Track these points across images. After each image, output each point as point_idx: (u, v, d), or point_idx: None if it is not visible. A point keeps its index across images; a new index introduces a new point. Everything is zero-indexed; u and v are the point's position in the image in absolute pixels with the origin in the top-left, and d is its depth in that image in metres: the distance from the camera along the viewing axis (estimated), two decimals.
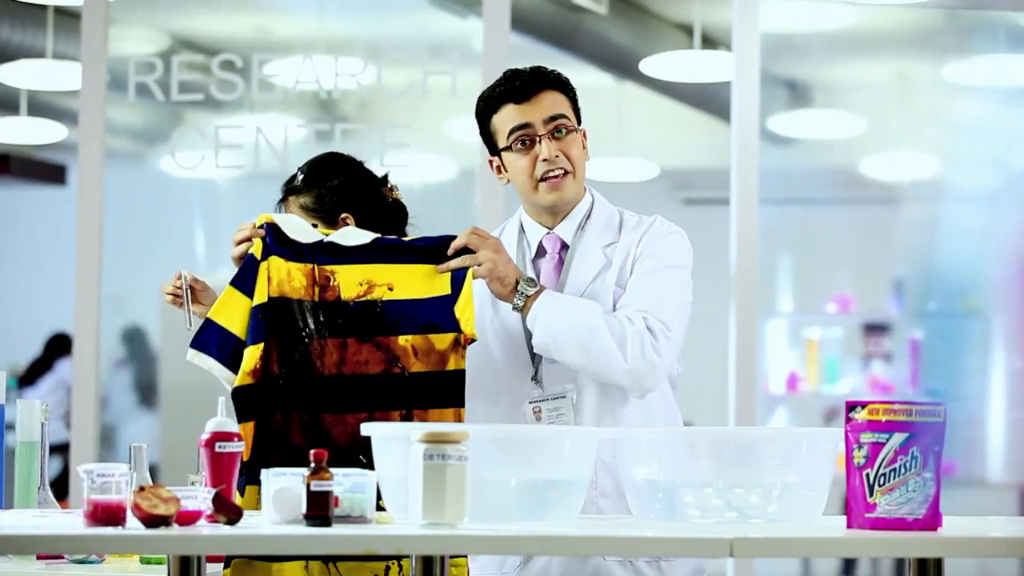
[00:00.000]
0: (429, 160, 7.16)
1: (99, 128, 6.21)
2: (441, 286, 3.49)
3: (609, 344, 3.46)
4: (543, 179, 3.63)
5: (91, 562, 3.50)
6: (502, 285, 3.49)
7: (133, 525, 2.84)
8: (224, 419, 3.11)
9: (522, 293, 3.48)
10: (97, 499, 2.85)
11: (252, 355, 3.42)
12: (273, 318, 3.45)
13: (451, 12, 6.87)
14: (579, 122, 3.69)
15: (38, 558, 3.50)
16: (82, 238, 6.20)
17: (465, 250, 3.48)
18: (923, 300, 8.70)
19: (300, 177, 3.83)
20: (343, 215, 3.78)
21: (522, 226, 3.74)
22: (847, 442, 2.95)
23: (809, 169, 8.97)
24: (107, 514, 2.85)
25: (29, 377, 11.04)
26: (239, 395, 3.41)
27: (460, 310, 3.47)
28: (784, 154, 8.76)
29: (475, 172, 6.35)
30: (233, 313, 3.46)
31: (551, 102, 3.64)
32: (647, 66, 7.97)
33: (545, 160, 3.61)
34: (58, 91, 8.18)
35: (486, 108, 3.68)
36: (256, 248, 3.50)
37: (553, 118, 3.62)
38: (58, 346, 11.03)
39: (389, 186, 3.85)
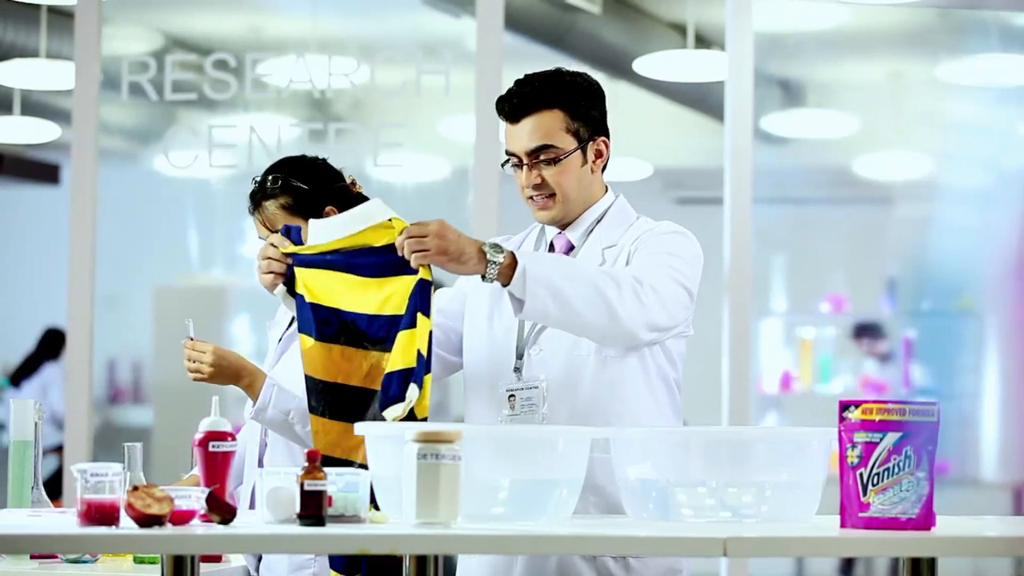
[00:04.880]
0: (423, 160, 7.16)
1: (92, 127, 6.20)
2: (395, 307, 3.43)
3: (608, 286, 3.37)
4: (531, 198, 3.65)
5: (85, 561, 3.50)
6: (460, 263, 3.34)
7: (127, 524, 2.84)
8: (218, 418, 3.11)
9: (492, 262, 3.34)
10: (91, 498, 2.85)
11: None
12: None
13: (444, 12, 6.87)
14: (594, 129, 3.65)
15: (32, 557, 3.50)
16: (75, 237, 6.20)
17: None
18: (916, 300, 8.72)
19: (272, 180, 3.85)
20: (327, 208, 3.83)
21: (542, 226, 3.76)
22: (841, 441, 2.96)
23: (802, 169, 8.97)
24: (101, 513, 2.85)
25: (17, 377, 11.04)
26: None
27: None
28: (778, 154, 8.77)
29: (469, 171, 6.35)
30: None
31: (538, 128, 3.60)
32: (640, 66, 7.97)
33: (526, 187, 3.63)
34: (51, 90, 8.17)
35: (497, 115, 3.70)
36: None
37: (535, 150, 3.60)
38: (49, 345, 11.04)
39: (351, 181, 3.90)
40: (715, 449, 3.09)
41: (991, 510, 7.92)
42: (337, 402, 3.43)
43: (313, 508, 2.88)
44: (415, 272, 3.40)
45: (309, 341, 3.47)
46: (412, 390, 3.31)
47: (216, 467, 3.06)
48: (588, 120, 3.65)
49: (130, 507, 2.82)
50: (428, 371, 3.36)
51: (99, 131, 6.25)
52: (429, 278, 3.40)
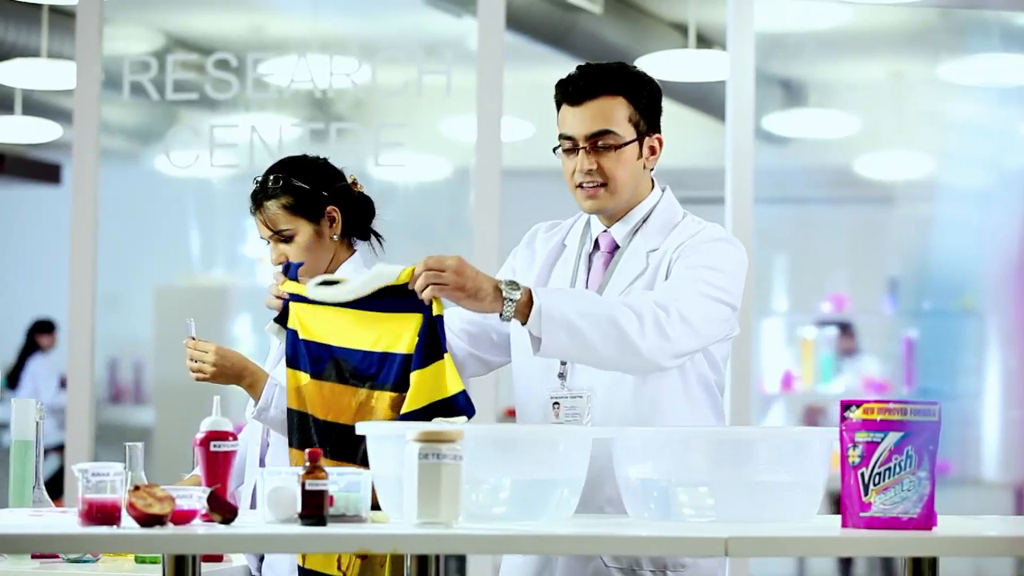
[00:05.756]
0: (424, 159, 7.16)
1: (94, 127, 6.20)
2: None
3: (628, 322, 3.33)
4: (580, 186, 3.61)
5: (86, 561, 3.50)
6: (477, 300, 3.29)
7: (128, 524, 2.84)
8: (219, 418, 3.11)
9: (509, 300, 3.31)
10: (92, 498, 2.85)
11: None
12: None
13: (446, 11, 6.87)
14: (650, 126, 3.62)
15: (33, 557, 3.50)
16: (77, 237, 6.20)
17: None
18: (918, 299, 8.72)
19: (273, 180, 3.85)
20: (329, 207, 3.83)
21: (589, 219, 3.72)
22: (842, 441, 2.96)
23: (804, 168, 8.98)
24: (102, 513, 2.85)
25: (13, 377, 11.08)
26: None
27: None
28: (779, 153, 8.77)
29: (470, 171, 6.35)
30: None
31: (600, 112, 3.56)
32: (642, 65, 7.93)
33: (580, 172, 3.58)
34: (53, 90, 8.18)
35: (555, 98, 3.65)
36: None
37: (595, 134, 3.56)
38: (33, 338, 11.08)
39: (352, 180, 3.90)
40: (717, 449, 3.09)
41: (992, 510, 7.92)
42: (328, 439, 3.41)
43: (314, 508, 2.88)
44: (419, 310, 3.34)
45: (304, 378, 3.45)
46: (459, 420, 3.27)
47: (217, 467, 3.05)
48: (648, 114, 3.62)
49: (131, 507, 2.82)
50: (471, 409, 3.34)
51: (100, 131, 6.24)
52: (441, 313, 3.35)
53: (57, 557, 3.50)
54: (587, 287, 3.63)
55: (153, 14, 7.15)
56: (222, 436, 3.07)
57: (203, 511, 2.92)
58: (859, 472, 2.92)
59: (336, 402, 3.44)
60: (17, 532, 2.96)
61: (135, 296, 8.40)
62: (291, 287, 3.52)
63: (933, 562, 2.92)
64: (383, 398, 3.40)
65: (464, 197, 6.57)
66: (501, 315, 3.32)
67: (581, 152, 3.56)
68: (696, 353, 3.53)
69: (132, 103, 6.48)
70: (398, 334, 3.38)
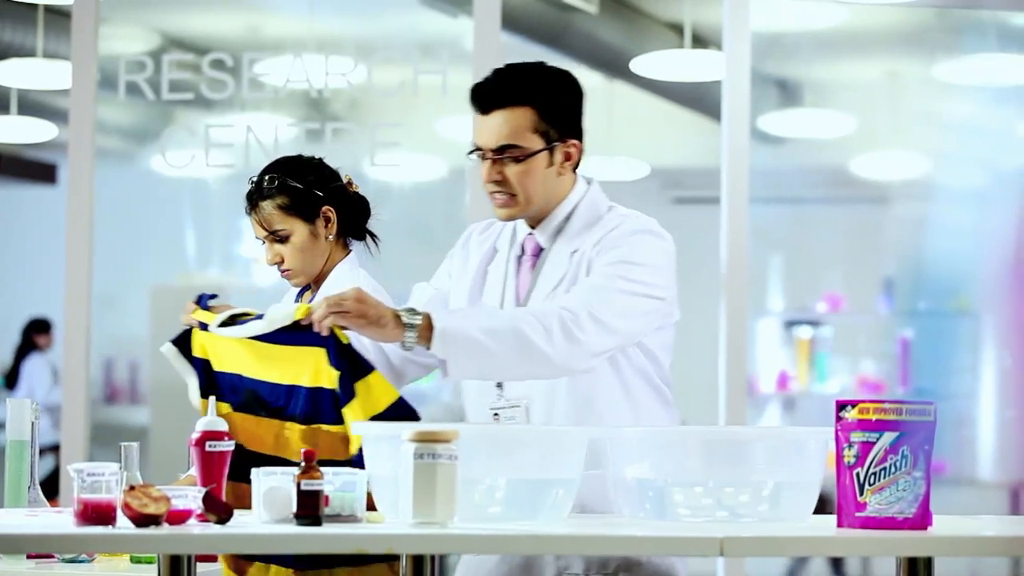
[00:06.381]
0: (419, 159, 7.17)
1: (89, 127, 6.20)
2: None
3: (534, 331, 3.29)
4: (492, 194, 3.58)
5: (81, 561, 3.50)
6: (380, 326, 3.25)
7: (123, 524, 2.84)
8: (214, 418, 3.11)
9: (409, 325, 3.26)
10: (87, 498, 2.85)
11: None
12: None
13: (441, 11, 6.87)
14: (564, 132, 3.56)
15: (28, 557, 3.50)
16: (72, 237, 6.19)
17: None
18: (913, 299, 8.72)
19: (268, 180, 3.84)
20: (324, 207, 3.83)
21: (516, 222, 3.68)
22: (837, 441, 2.96)
23: (799, 168, 8.98)
24: (97, 513, 2.85)
25: (11, 377, 11.08)
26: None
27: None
28: (774, 153, 8.78)
29: (465, 171, 6.35)
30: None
31: (506, 124, 3.51)
32: (638, 65, 7.97)
33: (487, 182, 3.55)
34: (48, 90, 8.17)
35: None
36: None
37: (501, 148, 3.52)
38: (29, 337, 11.08)
39: (347, 180, 3.89)
40: (712, 449, 3.09)
41: (988, 510, 7.92)
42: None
43: (310, 508, 2.88)
44: (322, 344, 3.27)
45: (226, 408, 3.41)
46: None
47: (213, 467, 3.05)
48: (560, 122, 3.55)
49: (127, 507, 2.82)
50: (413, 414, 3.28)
51: (96, 131, 6.24)
52: (347, 341, 3.28)
53: (53, 557, 3.50)
54: (516, 292, 3.59)
55: (149, 14, 7.15)
56: (217, 436, 3.07)
57: (198, 511, 2.91)
58: (855, 472, 2.93)
59: (257, 433, 3.41)
60: (13, 532, 2.96)
61: (131, 296, 8.39)
62: (201, 316, 3.50)
63: (928, 562, 2.92)
64: (294, 429, 3.36)
65: (459, 197, 6.57)
66: (404, 344, 3.27)
67: (487, 163, 3.53)
68: (618, 349, 3.48)
69: (128, 103, 6.48)
70: (301, 367, 3.33)
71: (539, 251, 3.61)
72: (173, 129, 6.63)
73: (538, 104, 3.53)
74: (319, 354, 3.30)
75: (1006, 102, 7.79)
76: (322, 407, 3.33)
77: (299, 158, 3.94)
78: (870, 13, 7.66)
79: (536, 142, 3.53)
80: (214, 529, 2.89)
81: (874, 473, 2.91)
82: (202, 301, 3.52)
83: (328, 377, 3.30)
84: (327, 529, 2.87)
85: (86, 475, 2.85)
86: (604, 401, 3.51)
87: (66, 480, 5.98)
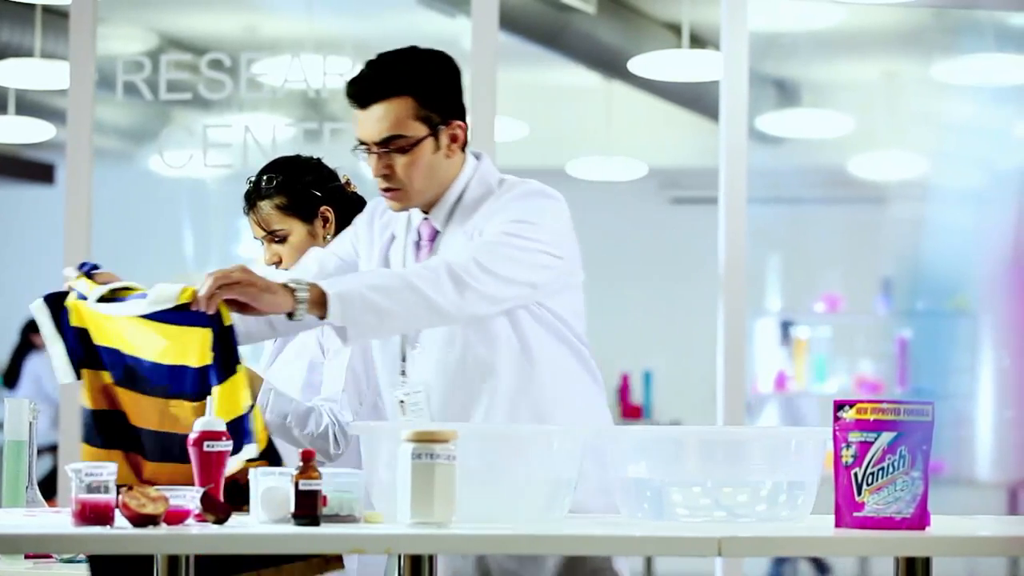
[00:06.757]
0: None
1: (87, 127, 6.20)
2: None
3: (424, 282, 3.28)
4: (381, 189, 3.54)
5: (79, 561, 3.50)
6: (271, 292, 3.20)
7: (121, 524, 2.84)
8: (212, 418, 3.11)
9: (299, 289, 3.21)
10: (85, 498, 2.85)
11: None
12: None
13: (439, 11, 6.87)
14: (447, 114, 3.51)
15: (26, 557, 3.50)
16: (70, 237, 6.19)
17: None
18: (911, 299, 8.73)
19: (267, 180, 3.84)
20: (323, 208, 3.83)
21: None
22: (835, 441, 2.96)
23: (797, 168, 8.98)
24: (95, 513, 2.84)
25: (10, 377, 11.07)
26: None
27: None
28: (772, 153, 8.78)
29: None
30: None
31: (386, 116, 3.47)
32: (635, 65, 7.97)
33: (376, 175, 3.52)
34: (46, 90, 8.17)
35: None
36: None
37: (384, 141, 3.47)
38: (28, 336, 11.08)
39: (345, 180, 3.90)
40: (710, 449, 3.09)
41: (986, 510, 7.92)
42: (146, 442, 3.28)
43: (308, 508, 2.88)
44: (207, 324, 3.20)
45: (108, 377, 3.32)
46: (248, 450, 3.14)
47: (211, 467, 3.05)
48: (441, 105, 3.51)
49: (125, 507, 2.82)
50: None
51: (94, 131, 6.24)
52: (231, 323, 3.21)
53: (51, 557, 3.50)
54: None
55: (147, 14, 7.14)
56: (215, 436, 3.07)
57: (196, 511, 2.91)
58: (852, 472, 2.92)
59: (138, 409, 3.31)
60: (11, 532, 2.96)
61: None
62: (81, 286, 3.42)
63: (926, 562, 2.92)
64: (184, 407, 3.26)
65: None
66: (293, 314, 3.23)
67: (374, 156, 3.49)
68: (521, 302, 3.46)
69: (126, 103, 6.48)
70: (186, 347, 3.24)
71: (435, 235, 3.58)
72: (171, 129, 6.63)
73: (416, 91, 3.49)
74: (205, 334, 3.21)
75: (1004, 102, 7.79)
76: (213, 383, 3.23)
77: (297, 158, 3.94)
78: (868, 13, 7.67)
79: (419, 129, 3.49)
80: (212, 529, 2.89)
81: (872, 473, 2.91)
82: (85, 267, 3.44)
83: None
84: (325, 529, 2.87)
85: (84, 475, 2.85)
86: (504, 367, 3.48)
87: (64, 480, 5.97)
